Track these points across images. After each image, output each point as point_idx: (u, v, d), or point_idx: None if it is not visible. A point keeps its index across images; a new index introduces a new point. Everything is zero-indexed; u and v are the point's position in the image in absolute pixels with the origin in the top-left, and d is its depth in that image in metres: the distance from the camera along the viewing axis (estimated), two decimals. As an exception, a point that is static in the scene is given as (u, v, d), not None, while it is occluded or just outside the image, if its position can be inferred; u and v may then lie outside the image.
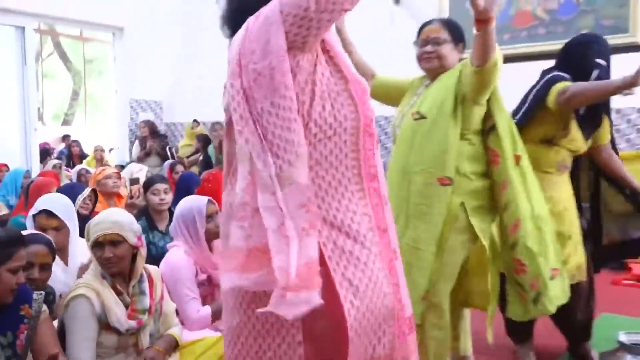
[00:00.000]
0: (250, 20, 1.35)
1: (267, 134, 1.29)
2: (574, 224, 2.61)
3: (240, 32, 1.37)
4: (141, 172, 5.20)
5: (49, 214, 2.41)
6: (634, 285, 4.06)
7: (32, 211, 2.49)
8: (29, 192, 3.67)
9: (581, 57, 2.54)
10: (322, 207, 1.33)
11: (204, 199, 2.60)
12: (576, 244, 2.61)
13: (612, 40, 4.89)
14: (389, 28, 5.47)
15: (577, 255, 2.61)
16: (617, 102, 4.88)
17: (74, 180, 5.05)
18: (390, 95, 2.62)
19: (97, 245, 2.01)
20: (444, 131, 2.19)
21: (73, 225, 2.52)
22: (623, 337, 2.15)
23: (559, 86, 2.41)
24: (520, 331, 2.69)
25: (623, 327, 2.76)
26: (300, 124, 1.29)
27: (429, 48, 2.31)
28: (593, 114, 2.55)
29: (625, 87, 2.23)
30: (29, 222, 2.50)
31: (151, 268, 2.19)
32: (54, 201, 2.53)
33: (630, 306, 3.53)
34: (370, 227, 1.38)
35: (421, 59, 2.36)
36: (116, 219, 2.06)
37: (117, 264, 2.03)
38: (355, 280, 1.32)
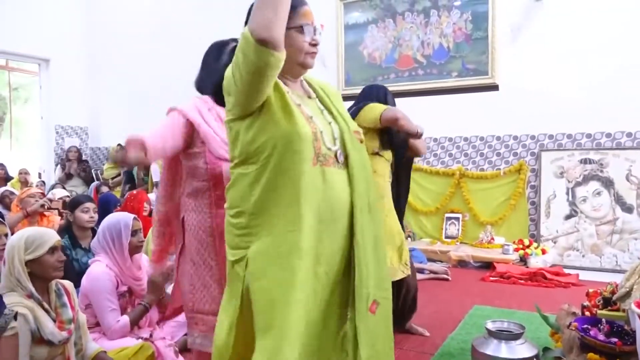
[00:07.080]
0: None
1: None
2: (398, 223, 2.76)
3: None
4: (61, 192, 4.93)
5: (2, 223, 2.36)
6: (498, 281, 4.27)
7: None
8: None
9: (375, 96, 2.81)
10: None
11: (131, 215, 2.49)
12: (403, 240, 2.73)
13: (475, 80, 5.26)
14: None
15: (406, 251, 2.73)
16: (476, 131, 5.15)
17: (-3, 201, 4.65)
18: None
19: (52, 251, 1.89)
20: None
21: None
22: (490, 325, 2.24)
23: (377, 106, 2.63)
24: None
25: (491, 316, 2.90)
26: None
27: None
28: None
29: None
30: None
31: (65, 282, 2.03)
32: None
33: (496, 299, 3.70)
34: None
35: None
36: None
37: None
38: None
